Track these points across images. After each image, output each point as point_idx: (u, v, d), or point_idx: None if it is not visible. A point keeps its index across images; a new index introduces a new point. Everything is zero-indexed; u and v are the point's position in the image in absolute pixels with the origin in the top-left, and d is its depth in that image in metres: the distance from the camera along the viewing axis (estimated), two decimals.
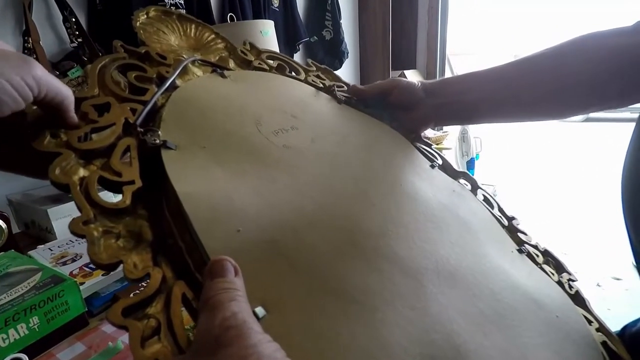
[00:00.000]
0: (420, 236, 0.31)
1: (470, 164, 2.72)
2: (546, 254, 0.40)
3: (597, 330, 0.33)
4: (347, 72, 2.10)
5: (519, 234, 0.40)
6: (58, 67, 0.89)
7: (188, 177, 0.24)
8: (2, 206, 0.82)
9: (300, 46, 1.68)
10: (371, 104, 0.46)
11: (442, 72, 2.59)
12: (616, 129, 5.10)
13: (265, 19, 1.37)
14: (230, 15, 1.21)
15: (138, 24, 0.38)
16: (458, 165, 2.66)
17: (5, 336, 0.43)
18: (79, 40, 0.92)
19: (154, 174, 0.24)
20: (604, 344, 0.31)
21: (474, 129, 2.63)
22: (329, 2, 1.78)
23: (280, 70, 0.45)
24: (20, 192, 0.85)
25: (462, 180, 0.44)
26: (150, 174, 0.24)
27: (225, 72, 0.38)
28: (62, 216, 0.73)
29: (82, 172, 0.22)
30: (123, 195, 0.22)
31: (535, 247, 0.40)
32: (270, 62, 0.45)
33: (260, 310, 0.19)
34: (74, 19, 0.91)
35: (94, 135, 0.25)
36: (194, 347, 0.16)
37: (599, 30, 0.42)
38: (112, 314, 0.18)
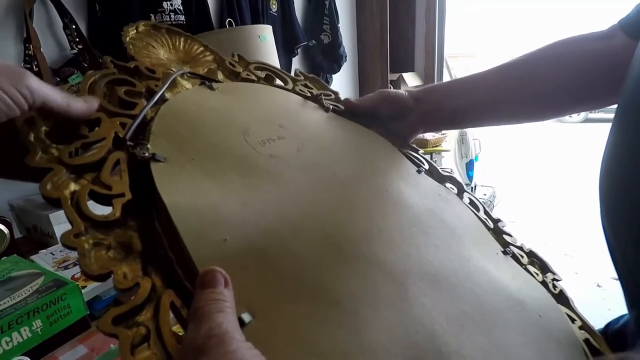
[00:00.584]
0: (405, 240, 0.32)
1: (470, 165, 2.72)
2: (531, 254, 0.41)
3: (580, 328, 0.33)
4: (345, 76, 2.11)
5: (504, 235, 0.41)
6: (59, 74, 0.91)
7: (176, 189, 0.25)
8: (4, 211, 0.83)
9: (298, 50, 1.69)
10: (362, 117, 0.47)
11: (441, 74, 2.60)
12: None
13: (264, 23, 1.39)
14: (229, 21, 1.22)
15: (127, 39, 0.39)
16: (457, 167, 2.67)
17: (8, 339, 0.44)
18: (79, 46, 0.93)
19: (143, 186, 0.25)
20: (586, 341, 0.32)
21: (472, 131, 2.63)
22: (327, 6, 1.80)
23: (268, 80, 0.46)
24: (22, 197, 0.87)
25: (448, 185, 0.45)
26: (141, 186, 0.25)
27: (214, 85, 0.39)
28: (63, 221, 0.74)
29: (73, 187, 0.23)
30: (113, 208, 0.23)
31: (520, 248, 0.41)
32: (259, 72, 0.46)
33: (246, 316, 0.20)
34: (74, 26, 0.93)
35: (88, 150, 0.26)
36: (178, 354, 0.17)
37: (575, 35, 0.43)
38: (102, 323, 0.18)
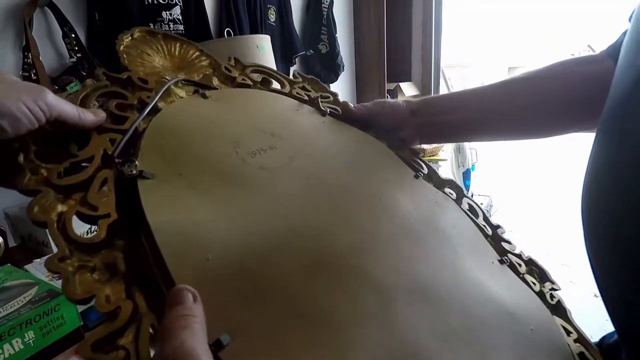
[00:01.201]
0: (396, 253, 0.31)
1: (467, 175, 2.73)
2: (530, 262, 0.40)
3: (576, 341, 0.33)
4: (343, 85, 2.13)
5: (502, 243, 0.41)
6: (57, 82, 0.91)
7: (162, 207, 0.25)
8: None
9: (296, 60, 1.70)
10: (358, 126, 0.47)
11: (437, 84, 2.62)
12: None
13: (262, 33, 1.40)
14: (228, 30, 1.23)
15: (122, 47, 0.38)
16: (454, 176, 2.68)
17: (0, 351, 0.44)
18: (78, 55, 0.94)
19: (131, 203, 0.25)
20: (581, 354, 0.32)
21: None
22: (325, 16, 1.81)
23: (265, 84, 0.45)
24: (17, 205, 0.86)
25: (447, 189, 0.45)
26: (129, 203, 0.25)
27: (207, 93, 0.38)
28: None
29: (60, 208, 0.23)
30: (99, 229, 0.23)
31: (519, 256, 0.40)
32: (255, 76, 0.45)
33: (225, 338, 0.20)
34: (73, 35, 0.93)
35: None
36: None
37: (571, 58, 0.45)
38: (81, 349, 0.18)
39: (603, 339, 0.37)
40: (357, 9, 2.17)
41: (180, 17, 1.08)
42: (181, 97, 0.37)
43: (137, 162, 0.27)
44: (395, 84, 2.38)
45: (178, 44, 0.44)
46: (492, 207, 2.79)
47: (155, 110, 0.33)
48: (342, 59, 1.91)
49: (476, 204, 0.44)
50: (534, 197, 3.36)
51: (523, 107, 0.45)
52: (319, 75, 1.86)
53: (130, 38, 0.40)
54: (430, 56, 2.50)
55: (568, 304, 0.38)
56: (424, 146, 2.06)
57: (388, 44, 2.16)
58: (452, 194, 0.44)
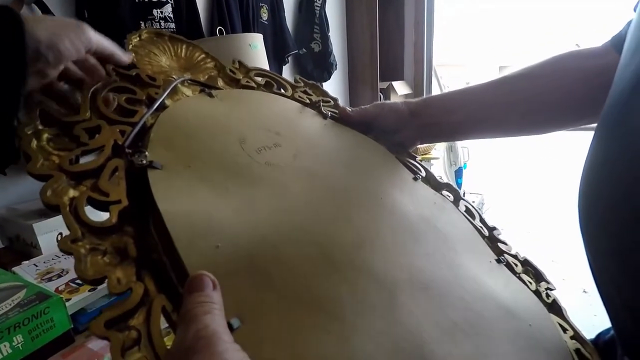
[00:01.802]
0: (397, 249, 0.32)
1: (459, 173, 2.75)
2: (525, 263, 0.41)
3: (572, 338, 0.34)
4: (335, 84, 2.13)
5: (499, 244, 0.41)
6: None
7: (172, 196, 0.26)
8: None
9: (289, 58, 1.70)
10: (357, 129, 0.47)
11: (430, 83, 2.64)
12: None
13: (255, 32, 1.39)
14: (219, 29, 1.22)
15: (130, 47, 0.39)
16: (447, 174, 2.70)
17: None
18: None
19: (141, 193, 0.26)
20: (577, 351, 0.32)
21: None
22: (317, 15, 1.81)
23: (267, 87, 0.46)
24: (4, 206, 0.84)
25: (445, 192, 0.45)
26: (138, 193, 0.26)
27: (213, 92, 0.39)
28: (48, 231, 0.72)
29: (72, 193, 0.24)
30: (110, 214, 0.23)
31: (515, 256, 0.41)
32: (258, 79, 0.46)
33: (235, 321, 0.20)
34: None
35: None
36: (167, 355, 0.18)
37: (570, 51, 0.44)
38: (94, 326, 0.19)
39: (599, 335, 0.37)
40: (349, 7, 2.17)
41: (172, 15, 1.07)
42: (188, 96, 0.38)
43: (147, 153, 0.27)
44: (388, 83, 2.39)
45: (184, 46, 0.45)
46: (484, 205, 2.82)
47: (163, 107, 0.34)
48: (334, 57, 1.91)
49: (473, 206, 0.45)
50: (524, 195, 3.40)
51: (524, 104, 0.45)
52: (312, 74, 1.85)
53: (138, 38, 0.42)
54: (422, 55, 2.51)
55: (560, 300, 0.38)
56: (418, 145, 2.07)
57: (381, 43, 2.16)
58: (449, 197, 0.45)
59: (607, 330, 0.37)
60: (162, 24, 1.05)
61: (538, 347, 0.30)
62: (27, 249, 0.75)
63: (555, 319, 0.35)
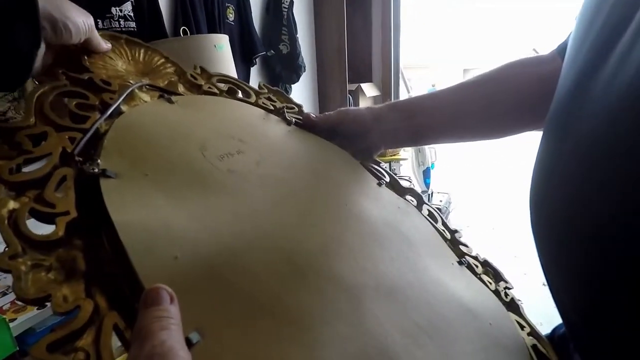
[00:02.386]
0: (362, 254, 0.32)
1: (427, 173, 2.83)
2: (485, 264, 0.42)
3: (529, 334, 0.35)
4: (304, 86, 2.13)
5: (460, 246, 0.42)
6: None
7: (127, 206, 0.24)
8: None
9: (257, 60, 1.68)
10: (322, 136, 0.47)
11: (397, 84, 2.69)
12: None
13: (221, 32, 1.37)
14: (183, 29, 1.19)
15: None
16: (415, 175, 2.76)
17: None
18: None
19: (92, 203, 0.24)
20: (534, 347, 0.34)
21: None
22: (285, 16, 1.80)
23: (231, 93, 0.45)
24: None
25: (408, 197, 0.46)
26: (89, 204, 0.24)
27: (173, 98, 0.38)
28: None
29: (12, 205, 0.22)
30: (56, 227, 0.22)
31: (476, 258, 0.42)
32: (221, 85, 0.45)
33: (194, 336, 0.19)
34: None
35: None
36: None
37: (520, 59, 0.47)
38: (36, 349, 0.17)
39: (554, 330, 0.39)
40: (317, 9, 2.18)
41: (132, 14, 1.03)
42: (146, 102, 0.36)
43: (99, 161, 0.26)
44: (357, 85, 2.42)
45: (142, 50, 0.43)
46: (451, 203, 2.91)
47: (118, 113, 0.32)
48: (303, 59, 1.91)
49: (435, 210, 0.46)
50: (488, 193, 3.54)
51: (477, 110, 0.47)
52: (280, 76, 1.84)
53: None
54: (390, 57, 2.56)
55: (520, 294, 0.40)
56: None
57: (349, 45, 2.19)
58: (413, 201, 0.45)
59: (562, 324, 0.39)
60: (122, 22, 1.01)
61: (498, 345, 0.32)
62: None
63: (514, 316, 0.36)
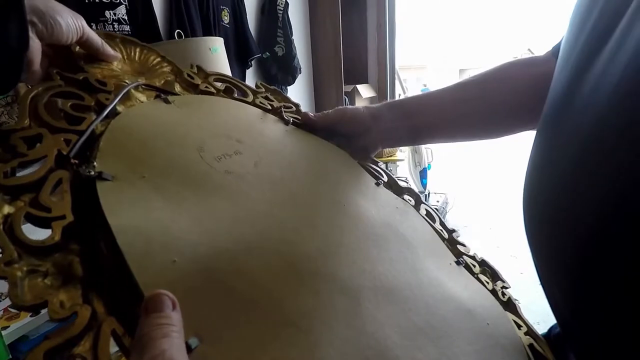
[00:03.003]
0: (360, 255, 0.32)
1: (423, 174, 2.83)
2: (483, 263, 0.42)
3: (526, 333, 0.35)
4: (300, 88, 2.13)
5: (458, 245, 0.42)
6: None
7: (124, 209, 0.24)
8: None
9: (252, 62, 1.68)
10: (320, 135, 0.47)
11: (393, 85, 2.70)
12: None
13: (216, 35, 1.36)
14: (178, 32, 1.19)
15: (77, 48, 0.37)
16: (412, 175, 2.77)
17: None
18: None
19: (88, 207, 0.24)
20: (531, 346, 0.34)
21: None
22: (280, 18, 1.81)
23: (227, 92, 0.45)
24: None
25: (406, 197, 0.46)
26: (85, 207, 0.24)
27: (170, 98, 0.37)
28: None
29: (6, 209, 0.22)
30: (52, 231, 0.22)
31: (473, 257, 0.42)
32: (218, 84, 0.45)
33: (193, 341, 0.19)
34: None
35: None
36: None
37: (516, 60, 0.47)
38: (32, 357, 0.17)
39: (550, 329, 0.39)
40: (312, 11, 2.18)
41: (126, 17, 1.03)
42: (142, 102, 0.36)
43: (95, 163, 0.26)
44: (353, 86, 2.42)
45: (138, 49, 0.42)
46: (448, 204, 2.91)
47: (114, 113, 0.32)
48: (298, 61, 1.91)
49: (433, 210, 0.46)
50: (486, 193, 3.55)
51: (474, 110, 0.47)
52: (276, 78, 1.84)
53: None
54: (385, 59, 2.57)
55: (517, 293, 0.40)
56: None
57: (344, 46, 2.19)
58: (410, 201, 0.45)
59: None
60: (116, 26, 1.01)
61: (496, 345, 0.32)
62: None
63: (511, 316, 0.36)
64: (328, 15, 2.15)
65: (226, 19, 1.48)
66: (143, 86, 0.37)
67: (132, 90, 0.35)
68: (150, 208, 0.25)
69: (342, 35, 2.15)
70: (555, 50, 0.43)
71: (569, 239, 0.27)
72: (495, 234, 2.70)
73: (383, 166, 0.49)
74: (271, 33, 1.80)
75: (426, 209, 0.46)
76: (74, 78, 0.33)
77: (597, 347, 0.28)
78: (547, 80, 0.35)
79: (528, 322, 0.37)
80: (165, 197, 0.27)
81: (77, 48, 0.36)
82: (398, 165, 3.01)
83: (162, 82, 0.40)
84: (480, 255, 0.43)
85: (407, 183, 0.49)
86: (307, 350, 0.22)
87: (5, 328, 0.48)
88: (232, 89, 0.45)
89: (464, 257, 0.41)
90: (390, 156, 2.36)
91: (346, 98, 2.32)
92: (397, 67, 2.73)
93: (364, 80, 2.62)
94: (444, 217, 2.77)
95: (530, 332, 0.36)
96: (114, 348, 0.20)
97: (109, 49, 0.36)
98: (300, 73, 1.94)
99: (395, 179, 0.48)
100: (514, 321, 0.36)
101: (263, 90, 0.49)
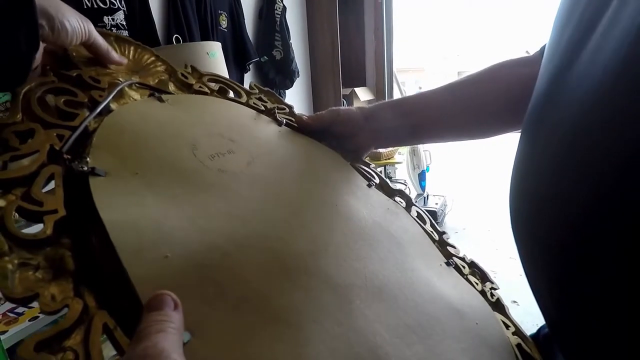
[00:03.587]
0: (351, 254, 0.32)
1: (422, 176, 2.84)
2: (472, 265, 0.43)
3: (514, 333, 0.36)
4: (298, 91, 2.14)
5: (448, 247, 0.43)
6: None
7: (116, 204, 0.24)
8: None
9: (250, 66, 1.69)
10: (314, 136, 0.47)
11: (391, 88, 2.71)
12: None
13: (214, 40, 1.37)
14: (176, 37, 1.20)
15: (71, 46, 0.37)
16: (410, 178, 2.77)
17: None
18: None
19: (81, 202, 0.24)
20: (518, 346, 0.34)
21: None
22: (278, 22, 1.82)
23: (222, 93, 0.45)
24: None
25: (397, 198, 0.46)
26: (78, 202, 0.24)
27: (163, 96, 0.37)
28: None
29: None
30: (44, 225, 0.22)
31: (463, 259, 0.43)
32: (212, 85, 0.45)
33: (185, 335, 0.19)
34: None
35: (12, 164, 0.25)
36: None
37: (506, 60, 0.48)
38: (23, 349, 0.17)
39: (539, 330, 0.40)
40: (310, 14, 2.19)
41: (124, 23, 1.04)
42: (136, 100, 0.36)
43: (88, 159, 0.26)
44: (351, 89, 2.43)
45: (132, 48, 0.42)
46: (447, 206, 2.92)
47: (108, 110, 0.32)
48: (296, 65, 1.92)
49: (424, 211, 0.46)
50: (484, 196, 3.55)
51: (467, 110, 0.48)
52: (274, 82, 1.85)
53: None
54: (383, 62, 2.58)
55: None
56: (381, 150, 2.11)
57: (342, 49, 2.20)
58: (402, 202, 0.46)
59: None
60: (115, 31, 1.01)
61: (484, 344, 0.32)
62: None
63: (499, 316, 0.37)
64: (325, 19, 2.16)
65: (224, 23, 1.49)
66: (137, 84, 0.37)
67: (126, 89, 0.35)
68: (143, 204, 0.26)
69: (339, 39, 2.16)
70: (543, 50, 0.44)
71: (549, 233, 0.27)
72: (494, 236, 2.70)
73: (381, 169, 0.49)
74: (269, 37, 1.82)
75: (417, 211, 0.46)
76: (68, 75, 0.33)
77: (583, 347, 0.28)
78: (535, 80, 0.36)
79: (516, 322, 0.37)
80: (157, 193, 0.27)
81: (74, 50, 0.36)
82: (397, 168, 3.01)
83: (156, 81, 0.40)
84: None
85: (406, 186, 0.49)
86: (297, 346, 0.22)
87: (3, 333, 0.48)
88: (226, 89, 0.45)
89: (454, 258, 0.41)
90: (389, 159, 2.37)
91: (344, 101, 2.33)
92: (394, 69, 2.74)
93: (362, 83, 2.63)
94: (442, 219, 2.77)
95: (518, 332, 0.36)
96: (111, 352, 0.21)
97: (114, 54, 0.37)
98: (298, 77, 1.95)
99: (387, 180, 0.48)
100: (503, 321, 0.36)
101: (257, 91, 0.50)
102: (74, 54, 0.37)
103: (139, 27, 1.10)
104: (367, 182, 0.45)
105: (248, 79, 1.74)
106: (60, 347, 0.18)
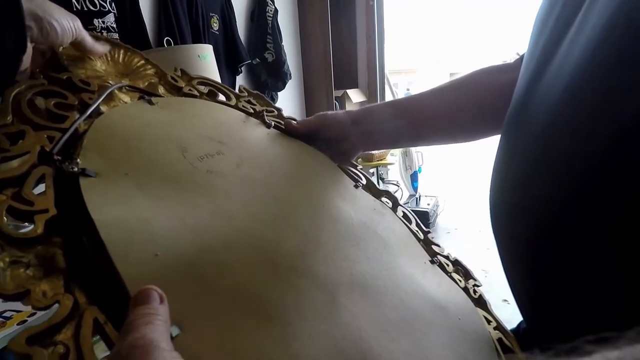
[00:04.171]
0: (338, 253, 0.33)
1: (414, 177, 2.86)
2: (456, 263, 0.44)
3: (495, 328, 0.37)
4: (291, 93, 2.14)
5: (432, 246, 0.44)
6: None
7: (107, 205, 0.25)
8: None
9: (242, 69, 1.70)
10: (301, 139, 0.48)
11: (382, 89, 2.73)
12: None
13: (205, 42, 1.38)
14: (167, 39, 1.20)
15: (61, 49, 0.37)
16: (403, 179, 2.79)
17: None
18: None
19: (72, 202, 0.24)
20: (499, 340, 0.35)
21: None
22: (270, 24, 1.83)
23: (211, 96, 0.46)
24: None
25: (384, 199, 0.48)
26: (69, 202, 0.25)
27: (153, 99, 0.38)
28: None
29: None
30: (35, 224, 0.22)
31: (447, 257, 0.44)
32: (202, 88, 0.45)
33: (174, 330, 0.20)
34: None
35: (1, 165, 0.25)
36: None
37: (487, 67, 0.49)
38: (14, 343, 0.18)
39: (519, 325, 0.41)
40: (302, 16, 2.20)
41: (115, 25, 1.04)
42: (125, 103, 0.36)
43: (78, 160, 0.26)
44: (343, 91, 2.44)
45: (122, 51, 0.43)
46: (439, 207, 2.94)
47: (98, 113, 0.32)
48: (288, 67, 1.93)
49: (410, 211, 0.48)
50: (475, 196, 3.58)
51: (451, 114, 0.49)
52: (266, 84, 1.86)
53: None
54: (375, 63, 2.60)
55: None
56: (373, 151, 2.13)
57: (334, 52, 2.21)
58: (388, 203, 0.47)
59: None
60: (105, 34, 1.02)
61: (466, 339, 0.33)
62: None
63: (481, 312, 0.38)
64: (317, 21, 2.17)
65: (215, 26, 1.50)
66: (127, 87, 0.38)
67: (116, 91, 0.36)
68: (133, 204, 0.26)
69: (331, 41, 2.17)
70: (523, 57, 0.45)
71: (529, 235, 0.28)
72: (485, 236, 2.72)
73: (373, 170, 0.50)
74: (261, 39, 1.82)
75: (403, 211, 0.47)
76: (58, 77, 0.33)
77: (559, 342, 0.29)
78: (514, 86, 0.37)
79: (497, 317, 0.38)
80: (147, 194, 0.28)
81: (61, 48, 0.37)
82: (389, 169, 3.03)
83: (146, 84, 0.41)
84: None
85: (398, 187, 0.50)
86: (284, 342, 0.23)
87: None
88: (215, 92, 0.46)
89: (438, 256, 0.42)
90: (381, 160, 2.39)
91: (336, 103, 2.34)
92: (386, 71, 2.77)
93: (354, 85, 2.65)
94: (434, 219, 2.79)
95: (499, 327, 0.37)
96: (104, 353, 0.21)
97: (98, 45, 0.38)
98: (290, 79, 1.96)
99: (373, 182, 0.49)
100: (485, 317, 0.38)
101: (246, 94, 0.50)
102: (64, 56, 0.37)
103: (130, 30, 1.10)
104: (355, 183, 0.46)
105: (240, 81, 1.75)
106: (52, 341, 0.19)
